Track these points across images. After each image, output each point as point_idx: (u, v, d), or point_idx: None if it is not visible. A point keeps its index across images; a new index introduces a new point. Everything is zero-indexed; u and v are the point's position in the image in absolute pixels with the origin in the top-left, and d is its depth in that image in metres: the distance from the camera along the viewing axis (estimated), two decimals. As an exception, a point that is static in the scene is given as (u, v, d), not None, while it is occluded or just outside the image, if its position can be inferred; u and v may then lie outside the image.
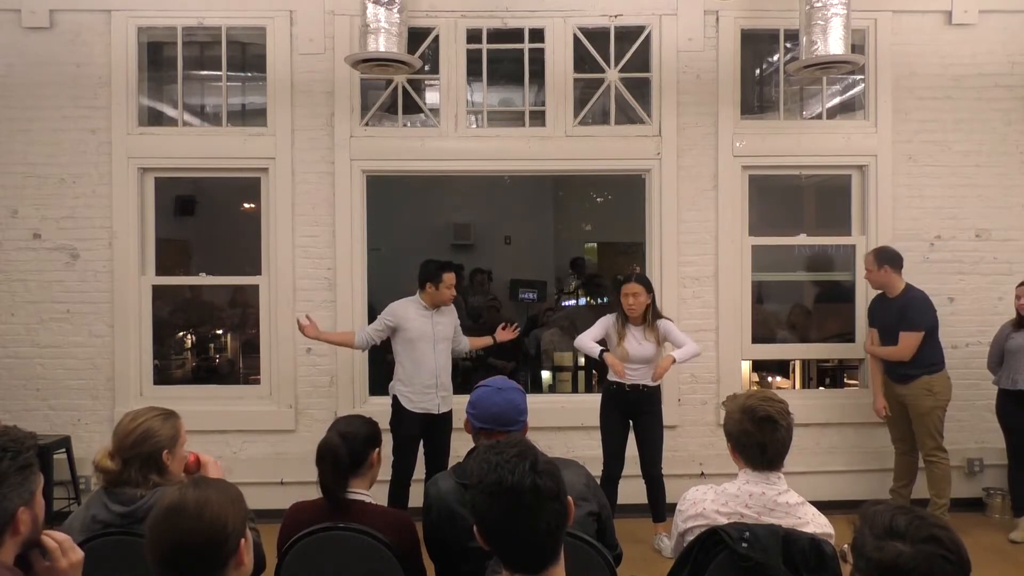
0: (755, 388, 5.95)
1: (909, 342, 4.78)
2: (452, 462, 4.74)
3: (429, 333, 4.62)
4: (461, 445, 2.49)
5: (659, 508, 4.68)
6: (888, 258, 4.87)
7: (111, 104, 5.24)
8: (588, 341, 4.61)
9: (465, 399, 2.50)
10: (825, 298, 6.31)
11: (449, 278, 4.63)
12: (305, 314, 4.80)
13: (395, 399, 4.65)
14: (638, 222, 5.59)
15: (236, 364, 7.00)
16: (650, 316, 4.60)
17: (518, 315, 8.04)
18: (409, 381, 4.62)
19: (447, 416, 4.69)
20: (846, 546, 1.53)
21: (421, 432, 4.65)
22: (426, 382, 4.60)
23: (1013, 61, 5.43)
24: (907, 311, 4.80)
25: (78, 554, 1.77)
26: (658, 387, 4.67)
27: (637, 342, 4.59)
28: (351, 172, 5.29)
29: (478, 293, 8.00)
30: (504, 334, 4.99)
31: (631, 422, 4.70)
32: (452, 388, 4.75)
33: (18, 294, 5.26)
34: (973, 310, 5.38)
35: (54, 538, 1.77)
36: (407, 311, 4.67)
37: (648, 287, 4.63)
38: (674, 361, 4.47)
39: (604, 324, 4.69)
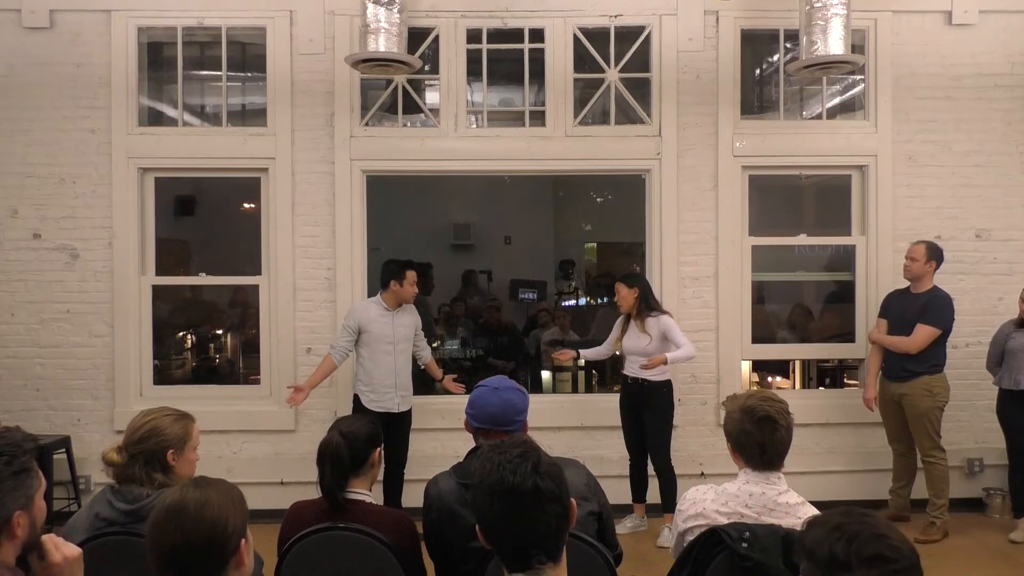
0: (755, 388, 5.95)
1: (924, 335, 4.78)
2: (417, 458, 4.87)
3: (389, 334, 4.73)
4: (461, 445, 2.49)
5: (666, 500, 4.76)
6: (937, 255, 4.93)
7: (111, 104, 5.24)
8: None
9: (465, 399, 2.50)
10: (830, 299, 6.31)
11: (411, 275, 4.77)
12: (288, 386, 4.84)
13: (356, 397, 4.78)
14: (638, 222, 5.59)
15: (236, 364, 6.99)
16: (641, 311, 4.80)
17: (518, 315, 8.05)
18: (368, 381, 4.73)
19: (406, 415, 4.82)
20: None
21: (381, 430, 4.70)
22: (385, 382, 4.72)
23: (1013, 61, 5.42)
24: (932, 306, 4.83)
25: (73, 549, 1.77)
26: (663, 382, 4.78)
27: (632, 336, 4.85)
28: (351, 172, 5.29)
29: (475, 294, 8.00)
30: (451, 384, 5.03)
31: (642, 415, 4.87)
32: (412, 387, 4.87)
33: (18, 294, 5.26)
34: (973, 310, 5.38)
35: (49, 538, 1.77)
36: (368, 312, 4.75)
37: (631, 284, 4.87)
38: (665, 361, 4.61)
39: (617, 325, 5.03)
